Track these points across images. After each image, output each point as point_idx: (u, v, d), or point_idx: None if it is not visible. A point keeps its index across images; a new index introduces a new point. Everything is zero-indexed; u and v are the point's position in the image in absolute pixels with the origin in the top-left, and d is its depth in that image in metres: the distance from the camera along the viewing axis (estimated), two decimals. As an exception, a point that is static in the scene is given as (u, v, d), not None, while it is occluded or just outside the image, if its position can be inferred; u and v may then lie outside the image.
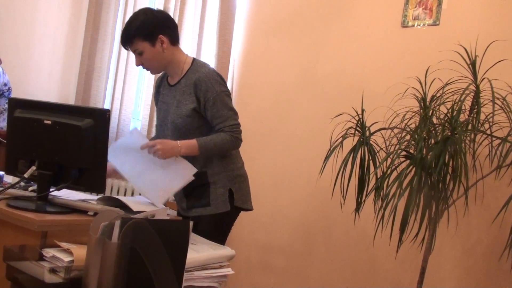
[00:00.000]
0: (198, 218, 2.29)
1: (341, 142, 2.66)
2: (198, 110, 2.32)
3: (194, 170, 2.21)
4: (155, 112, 2.66)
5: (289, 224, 3.57)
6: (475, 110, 2.46)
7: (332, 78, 3.43)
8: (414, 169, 2.30)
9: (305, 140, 3.52)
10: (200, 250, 1.81)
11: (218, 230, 2.30)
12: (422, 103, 2.54)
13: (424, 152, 2.32)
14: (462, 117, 2.44)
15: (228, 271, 1.81)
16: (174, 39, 2.38)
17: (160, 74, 2.59)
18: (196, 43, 3.99)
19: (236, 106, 3.83)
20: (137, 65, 2.37)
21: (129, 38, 2.30)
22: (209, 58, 3.92)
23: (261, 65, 3.82)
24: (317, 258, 3.41)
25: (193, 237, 1.90)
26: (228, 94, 2.38)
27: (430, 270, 2.68)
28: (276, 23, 3.77)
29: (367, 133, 2.60)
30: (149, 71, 2.45)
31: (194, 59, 2.44)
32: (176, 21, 3.92)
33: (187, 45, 3.98)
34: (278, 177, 3.63)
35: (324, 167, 2.67)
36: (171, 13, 3.98)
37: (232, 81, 3.87)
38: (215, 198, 2.30)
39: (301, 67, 3.59)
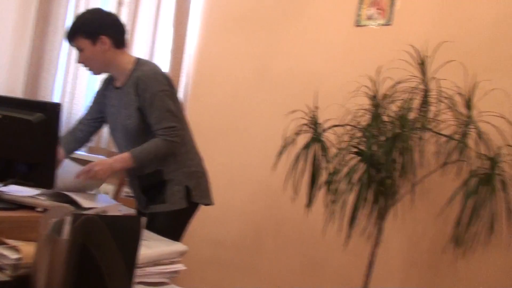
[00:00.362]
0: (155, 215, 2.29)
1: (295, 138, 2.69)
2: (143, 110, 2.30)
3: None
4: (90, 108, 2.60)
5: (241, 219, 3.59)
6: (424, 109, 2.53)
7: (286, 75, 3.47)
8: (364, 165, 2.35)
9: (259, 136, 3.55)
10: (152, 246, 1.80)
11: (174, 227, 2.31)
12: (373, 101, 2.60)
13: (374, 148, 2.38)
14: (411, 115, 2.52)
15: (179, 267, 1.82)
16: (118, 42, 2.35)
17: (106, 77, 2.56)
18: (151, 38, 3.95)
19: (190, 102, 3.85)
20: (78, 62, 2.36)
21: (72, 33, 2.31)
22: (164, 54, 3.90)
23: (216, 61, 3.81)
24: (268, 253, 3.45)
25: (146, 233, 1.90)
26: (169, 93, 2.32)
27: (378, 263, 2.76)
28: (232, 19, 3.78)
29: (320, 130, 2.64)
30: (91, 72, 2.42)
31: (138, 58, 2.41)
32: (131, 16, 3.94)
33: (142, 40, 3.94)
34: (231, 173, 3.65)
35: (277, 163, 2.70)
36: (125, 7, 3.93)
37: (186, 77, 3.85)
38: (171, 195, 2.31)
39: (256, 64, 3.61)
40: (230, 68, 3.73)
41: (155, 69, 2.34)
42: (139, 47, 3.94)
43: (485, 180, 2.22)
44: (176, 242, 1.93)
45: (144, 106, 2.26)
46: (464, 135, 2.38)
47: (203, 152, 2.65)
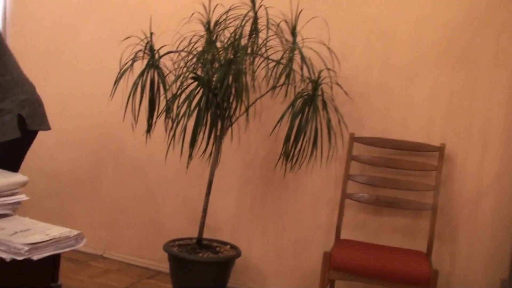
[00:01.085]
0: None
1: (131, 65, 2.69)
2: None
3: None
4: None
5: (79, 150, 3.53)
6: (253, 35, 2.69)
7: (118, 1, 3.37)
8: (201, 90, 2.46)
9: (93, 64, 3.45)
10: (-10, 178, 1.75)
11: (10, 158, 2.21)
12: (207, 28, 2.68)
13: (210, 74, 2.49)
14: (243, 42, 2.66)
15: (22, 197, 1.80)
16: None
17: None
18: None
19: (10, 28, 3.57)
20: None
21: None
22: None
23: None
24: (108, 181, 3.47)
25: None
26: None
27: (216, 182, 2.96)
28: None
29: (156, 56, 2.67)
30: None
31: None
32: None
33: None
34: (65, 102, 3.53)
35: (114, 90, 2.69)
36: None
37: (5, 5, 3.54)
38: (2, 125, 2.19)
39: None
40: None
41: None
42: None
43: (308, 101, 2.47)
44: (15, 173, 1.89)
45: None
46: (290, 60, 2.60)
47: (33, 82, 2.53)
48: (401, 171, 2.84)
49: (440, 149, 2.76)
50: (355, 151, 2.90)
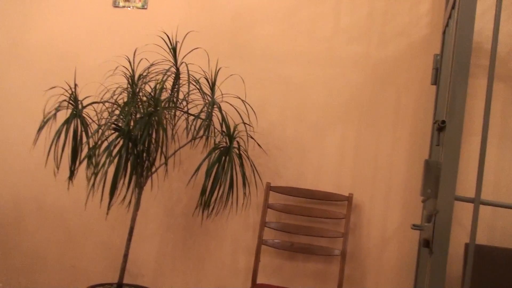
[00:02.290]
0: None
1: (54, 114, 2.77)
2: None
3: None
4: None
5: (0, 195, 3.51)
6: (175, 90, 2.85)
7: (43, 50, 3.45)
8: (122, 140, 2.57)
9: (16, 111, 3.48)
10: None
11: None
12: (130, 81, 2.82)
13: (131, 125, 2.61)
14: (165, 95, 2.82)
15: None
16: None
17: None
18: None
19: None
20: None
21: None
22: None
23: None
24: (29, 227, 3.46)
25: None
26: None
27: (138, 228, 3.04)
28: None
29: (80, 106, 2.77)
30: None
31: None
32: None
33: None
34: (-14, 148, 3.53)
35: (37, 138, 2.75)
36: None
37: None
38: None
39: (8, 35, 3.51)
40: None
41: None
42: None
43: (224, 152, 2.64)
44: None
45: None
46: (209, 115, 2.77)
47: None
48: (314, 218, 3.03)
49: (349, 199, 2.97)
50: (271, 199, 3.08)
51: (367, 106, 3.00)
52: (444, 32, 2.71)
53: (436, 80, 2.77)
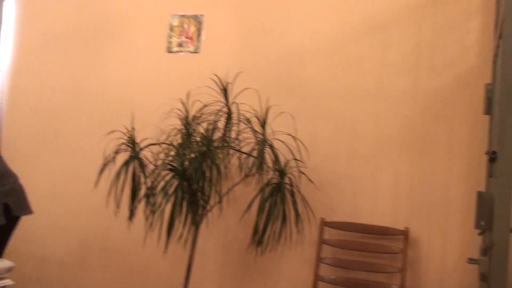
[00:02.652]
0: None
1: (114, 157, 2.91)
2: None
3: None
4: None
5: (66, 235, 3.68)
6: (228, 129, 2.93)
7: (103, 96, 3.65)
8: (177, 179, 2.67)
9: (80, 155, 3.67)
10: (-23, 265, 1.91)
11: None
12: (184, 122, 2.93)
13: (186, 164, 2.70)
14: (218, 134, 2.90)
15: (7, 282, 1.94)
16: None
17: None
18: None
19: (6, 120, 3.83)
20: None
21: None
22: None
23: (32, 79, 3.85)
24: (93, 266, 3.59)
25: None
26: None
27: (196, 266, 3.10)
28: (48, 37, 3.85)
29: (138, 149, 2.89)
30: None
31: None
32: None
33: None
34: (53, 190, 3.71)
35: (99, 179, 2.89)
36: None
37: (1, 95, 3.82)
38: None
39: (75, 83, 3.74)
40: (47, 86, 3.80)
41: None
42: None
43: (276, 189, 2.68)
44: (1, 260, 2.05)
45: None
46: (261, 152, 2.82)
47: (23, 168, 2.74)
48: (370, 253, 3.00)
49: (405, 233, 2.93)
50: (326, 234, 3.07)
51: (420, 138, 2.97)
52: (494, 61, 2.68)
53: (489, 110, 2.72)
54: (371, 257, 3.00)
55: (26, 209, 2.55)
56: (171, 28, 3.51)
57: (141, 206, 2.92)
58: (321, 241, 3.06)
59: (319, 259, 3.03)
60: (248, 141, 2.95)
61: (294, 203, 2.79)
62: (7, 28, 3.89)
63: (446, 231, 2.89)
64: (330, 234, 3.08)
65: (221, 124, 2.93)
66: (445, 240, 2.89)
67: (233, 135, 2.90)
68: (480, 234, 2.25)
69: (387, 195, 3.02)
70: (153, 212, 2.72)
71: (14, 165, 2.61)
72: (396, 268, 2.90)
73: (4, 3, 3.89)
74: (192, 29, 3.47)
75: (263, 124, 2.89)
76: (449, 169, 2.92)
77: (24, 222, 2.56)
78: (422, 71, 3.01)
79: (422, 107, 2.98)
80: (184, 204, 2.72)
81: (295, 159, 2.97)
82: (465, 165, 2.88)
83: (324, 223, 3.07)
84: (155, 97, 3.46)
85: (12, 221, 2.46)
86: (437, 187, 2.93)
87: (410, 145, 2.99)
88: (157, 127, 3.12)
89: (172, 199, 2.66)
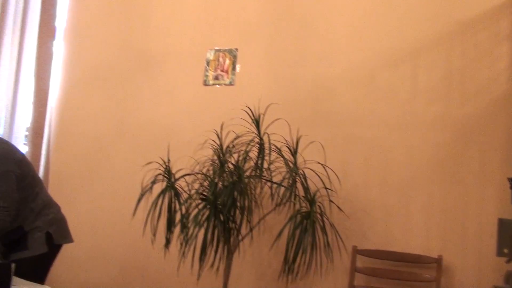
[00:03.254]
0: (18, 261, 2.47)
1: (151, 187, 3.03)
2: None
3: None
4: None
5: (107, 262, 3.81)
6: (259, 159, 3.01)
7: (142, 128, 3.81)
8: (209, 208, 2.76)
9: (119, 185, 3.83)
10: (20, 291, 2.03)
11: (38, 271, 2.51)
12: (218, 153, 3.03)
13: (216, 195, 2.79)
14: (251, 164, 2.99)
15: (48, 307, 2.06)
16: None
17: None
18: (12, 91, 4.08)
19: (53, 153, 4.04)
20: None
21: None
22: (26, 107, 4.06)
23: (78, 113, 4.06)
24: (133, 292, 3.71)
25: (14, 279, 2.11)
26: (8, 174, 2.45)
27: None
28: (92, 73, 4.06)
29: (173, 179, 3.01)
30: None
31: None
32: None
33: (3, 93, 4.06)
34: (94, 219, 3.87)
35: (136, 209, 3.02)
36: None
37: (49, 129, 4.04)
38: (32, 242, 2.51)
39: (116, 117, 3.92)
40: (91, 119, 4.00)
41: None
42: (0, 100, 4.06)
43: (306, 217, 2.73)
44: (43, 286, 2.17)
45: None
46: (292, 181, 2.88)
47: (67, 199, 2.89)
48: (403, 282, 2.99)
49: (438, 261, 2.91)
50: (358, 262, 3.08)
51: (452, 165, 2.97)
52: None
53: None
54: (404, 285, 2.99)
55: (67, 237, 2.68)
56: (208, 62, 3.66)
57: (176, 235, 3.02)
58: (354, 269, 3.07)
59: (352, 287, 3.04)
60: (279, 171, 3.02)
61: (324, 231, 2.82)
62: (56, 65, 4.13)
63: (481, 258, 2.86)
64: (362, 262, 3.09)
65: (253, 154, 3.01)
66: (479, 267, 2.85)
67: (265, 165, 2.97)
68: (507, 262, 2.23)
69: (419, 223, 3.01)
70: (186, 240, 2.81)
71: (59, 195, 2.77)
72: (430, 296, 2.88)
73: (54, 42, 4.14)
74: (227, 62, 3.60)
75: (294, 153, 2.96)
76: (482, 195, 2.90)
77: (66, 249, 2.69)
78: (453, 99, 3.02)
79: (454, 134, 2.99)
80: (216, 233, 2.80)
81: (326, 188, 3.02)
82: (498, 192, 2.86)
83: (357, 251, 3.09)
84: (191, 129, 3.59)
85: (54, 249, 2.59)
86: (470, 214, 2.91)
87: (442, 173, 2.99)
88: (192, 158, 3.23)
89: (204, 227, 2.75)
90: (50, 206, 2.66)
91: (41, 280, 2.33)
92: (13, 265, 1.72)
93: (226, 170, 2.95)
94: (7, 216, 2.42)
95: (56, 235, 2.59)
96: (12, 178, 2.46)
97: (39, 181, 2.67)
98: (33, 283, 2.18)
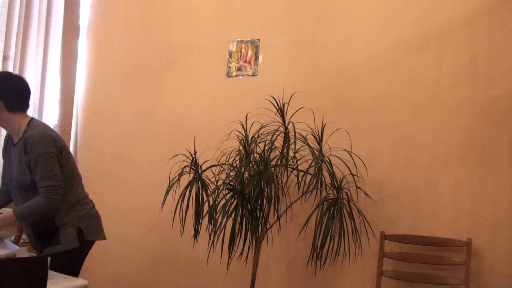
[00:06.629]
0: (52, 255, 2.54)
1: (178, 179, 3.07)
2: (30, 168, 2.53)
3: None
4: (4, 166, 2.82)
5: (137, 255, 3.89)
6: (285, 148, 3.02)
7: (168, 122, 3.86)
8: (236, 198, 2.78)
9: (147, 178, 3.89)
10: (56, 283, 2.09)
11: (71, 264, 2.57)
12: (243, 143, 3.05)
13: (243, 184, 2.81)
14: (277, 153, 3.00)
15: (83, 299, 2.12)
16: (12, 107, 2.58)
17: (7, 133, 2.78)
18: (39, 90, 4.16)
19: (80, 149, 4.12)
20: None
21: None
22: (53, 104, 4.14)
23: (104, 109, 4.13)
24: (163, 284, 3.77)
25: (49, 273, 2.17)
26: (52, 155, 2.52)
27: (259, 283, 3.19)
28: (117, 69, 4.12)
29: (200, 171, 3.04)
30: None
31: (31, 120, 2.64)
32: (17, 70, 4.10)
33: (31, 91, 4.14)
34: (124, 213, 3.95)
35: (164, 201, 3.06)
36: (11, 61, 4.10)
37: (76, 126, 4.12)
38: (64, 237, 2.57)
39: (142, 111, 3.98)
40: (117, 115, 4.06)
41: (43, 133, 2.55)
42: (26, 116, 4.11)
43: (333, 204, 2.74)
44: (77, 278, 2.23)
45: (30, 165, 2.52)
46: (318, 169, 2.89)
47: (96, 194, 2.93)
48: (432, 266, 2.98)
49: (468, 244, 2.90)
50: (387, 247, 3.09)
51: (480, 148, 2.95)
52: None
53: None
54: (433, 269, 2.98)
55: (99, 234, 2.72)
56: (230, 54, 3.68)
57: (204, 226, 3.05)
58: (382, 254, 3.08)
59: (381, 272, 3.05)
60: (305, 159, 3.03)
61: (351, 217, 2.83)
62: (81, 62, 4.20)
63: (510, 240, 2.83)
64: (391, 247, 3.10)
65: (278, 143, 3.03)
66: (510, 249, 2.83)
67: (290, 153, 2.99)
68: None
69: (447, 207, 3.00)
70: (214, 230, 2.84)
71: (88, 190, 2.80)
72: (460, 280, 2.87)
73: (78, 41, 4.20)
74: (250, 53, 3.61)
75: (319, 141, 2.97)
76: (510, 177, 2.87)
77: (98, 244, 2.74)
78: (479, 81, 2.99)
79: (481, 117, 2.96)
80: (244, 222, 2.83)
81: (352, 174, 3.02)
82: (527, 174, 2.83)
83: (385, 236, 3.09)
84: (216, 121, 3.62)
85: (85, 245, 2.65)
86: (499, 196, 2.89)
87: (470, 156, 2.97)
88: (218, 149, 3.26)
89: (232, 217, 2.78)
90: (84, 202, 2.71)
91: (74, 273, 2.38)
92: (49, 259, 1.77)
93: (252, 160, 2.97)
94: (58, 195, 2.50)
95: (88, 231, 2.63)
96: (55, 159, 2.54)
97: (77, 177, 2.72)
98: (68, 276, 2.23)
